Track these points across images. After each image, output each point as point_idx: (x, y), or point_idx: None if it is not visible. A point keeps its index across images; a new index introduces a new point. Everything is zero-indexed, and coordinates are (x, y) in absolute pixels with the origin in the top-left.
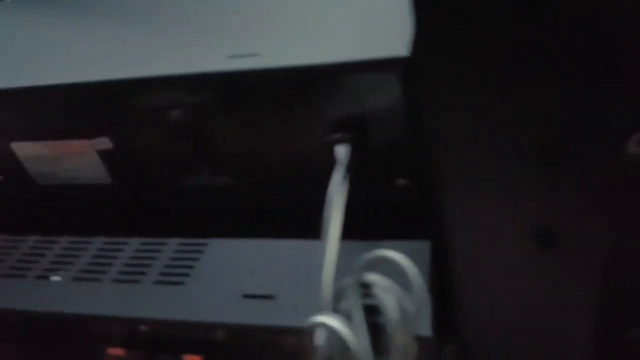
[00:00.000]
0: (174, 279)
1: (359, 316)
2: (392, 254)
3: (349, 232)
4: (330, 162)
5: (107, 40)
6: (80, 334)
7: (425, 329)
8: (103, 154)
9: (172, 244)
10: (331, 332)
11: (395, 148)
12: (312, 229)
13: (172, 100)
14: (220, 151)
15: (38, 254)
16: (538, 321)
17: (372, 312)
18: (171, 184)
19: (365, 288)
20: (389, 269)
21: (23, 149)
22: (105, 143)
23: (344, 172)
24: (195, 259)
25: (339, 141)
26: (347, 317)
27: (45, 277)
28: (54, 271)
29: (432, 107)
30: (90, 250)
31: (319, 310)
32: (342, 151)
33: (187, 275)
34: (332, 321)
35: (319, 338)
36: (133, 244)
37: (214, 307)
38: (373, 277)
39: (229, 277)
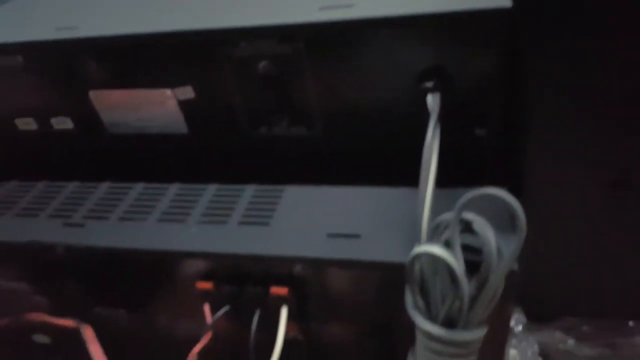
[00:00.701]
0: (258, 220)
1: (458, 246)
2: (498, 192)
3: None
4: (411, 110)
5: None
6: (171, 269)
7: (514, 264)
8: (183, 104)
9: (249, 190)
10: (430, 261)
11: (479, 97)
12: (389, 177)
13: (262, 50)
14: (303, 102)
15: (115, 198)
16: (608, 263)
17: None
18: (247, 133)
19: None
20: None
21: (100, 98)
22: (188, 92)
23: (437, 120)
24: (275, 203)
25: (432, 90)
26: None
27: (128, 219)
28: (135, 214)
29: (530, 57)
30: (168, 196)
31: (407, 247)
32: (434, 100)
33: (270, 217)
34: (436, 249)
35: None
36: (210, 190)
37: (299, 243)
38: (471, 215)
39: (312, 219)
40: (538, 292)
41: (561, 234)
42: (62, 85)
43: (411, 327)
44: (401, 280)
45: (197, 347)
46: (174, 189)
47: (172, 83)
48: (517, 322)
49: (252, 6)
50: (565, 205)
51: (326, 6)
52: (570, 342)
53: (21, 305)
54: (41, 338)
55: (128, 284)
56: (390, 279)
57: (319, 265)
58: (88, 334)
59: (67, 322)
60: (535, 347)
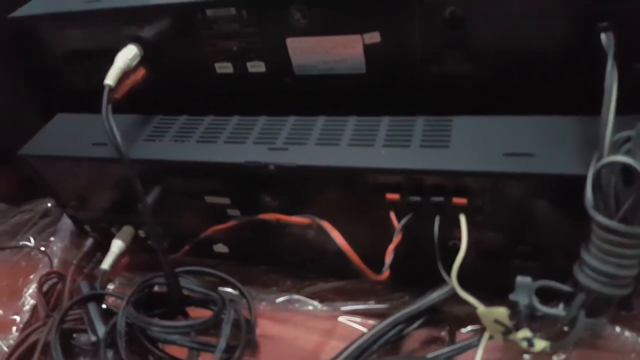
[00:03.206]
0: (437, 143)
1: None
2: None
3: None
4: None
5: None
6: (364, 183)
7: None
8: (368, 47)
9: (420, 120)
10: (610, 170)
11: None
12: (550, 109)
13: None
14: (477, 42)
15: (305, 128)
16: None
17: None
18: (420, 71)
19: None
20: None
21: (296, 44)
22: (375, 37)
23: (614, 56)
24: (448, 130)
25: (605, 29)
26: None
27: (323, 144)
28: (326, 139)
29: None
30: (349, 126)
31: (578, 163)
32: (608, 38)
33: (447, 141)
34: (625, 158)
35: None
36: (385, 121)
37: (478, 161)
38: None
39: (486, 142)
40: None
41: None
42: (264, 34)
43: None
44: (569, 192)
45: (392, 245)
46: (353, 120)
47: (361, 29)
48: None
49: None
50: None
51: None
52: None
53: (221, 217)
54: (221, 248)
55: (326, 197)
56: (561, 191)
57: (498, 178)
58: (326, 225)
59: (304, 220)
60: None
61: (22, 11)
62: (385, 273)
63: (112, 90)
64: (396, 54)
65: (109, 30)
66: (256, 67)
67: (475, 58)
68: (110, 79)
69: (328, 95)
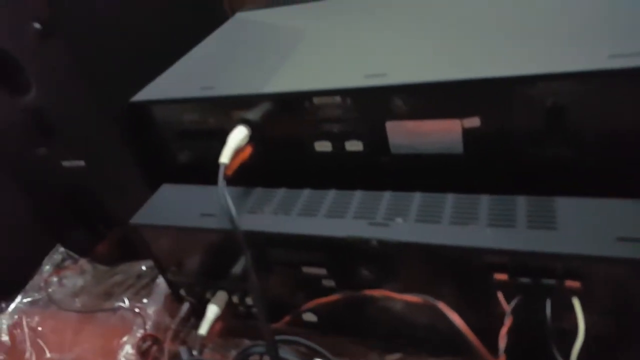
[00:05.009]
0: (544, 224)
1: None
2: None
3: None
4: None
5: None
6: (470, 262)
7: None
8: (467, 130)
9: (521, 200)
10: None
11: None
12: None
13: (553, 89)
14: (578, 129)
15: (402, 204)
16: None
17: None
18: (518, 153)
19: None
20: None
21: (395, 127)
22: (474, 122)
23: None
24: (552, 211)
25: None
26: None
27: (423, 221)
28: (426, 216)
29: None
30: (447, 203)
31: None
32: None
33: (554, 222)
34: None
35: None
36: (484, 199)
37: (591, 245)
38: None
39: (596, 225)
40: None
41: None
42: (365, 119)
43: None
44: None
45: (505, 329)
46: (450, 197)
47: (462, 114)
48: None
49: (539, 53)
50: None
51: (616, 54)
52: None
53: (315, 287)
54: (309, 317)
55: (426, 273)
56: None
57: (614, 263)
58: (442, 307)
59: (415, 298)
60: None
61: (141, 96)
62: (502, 358)
63: (226, 168)
64: (494, 137)
65: (220, 113)
66: (354, 146)
67: (575, 142)
68: (225, 157)
69: (423, 173)
